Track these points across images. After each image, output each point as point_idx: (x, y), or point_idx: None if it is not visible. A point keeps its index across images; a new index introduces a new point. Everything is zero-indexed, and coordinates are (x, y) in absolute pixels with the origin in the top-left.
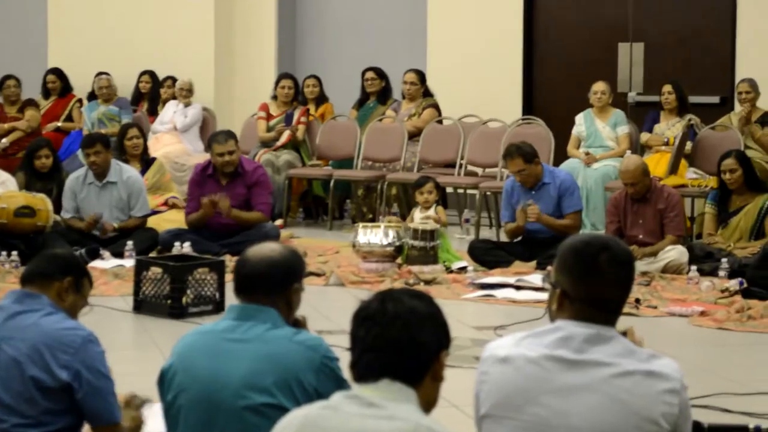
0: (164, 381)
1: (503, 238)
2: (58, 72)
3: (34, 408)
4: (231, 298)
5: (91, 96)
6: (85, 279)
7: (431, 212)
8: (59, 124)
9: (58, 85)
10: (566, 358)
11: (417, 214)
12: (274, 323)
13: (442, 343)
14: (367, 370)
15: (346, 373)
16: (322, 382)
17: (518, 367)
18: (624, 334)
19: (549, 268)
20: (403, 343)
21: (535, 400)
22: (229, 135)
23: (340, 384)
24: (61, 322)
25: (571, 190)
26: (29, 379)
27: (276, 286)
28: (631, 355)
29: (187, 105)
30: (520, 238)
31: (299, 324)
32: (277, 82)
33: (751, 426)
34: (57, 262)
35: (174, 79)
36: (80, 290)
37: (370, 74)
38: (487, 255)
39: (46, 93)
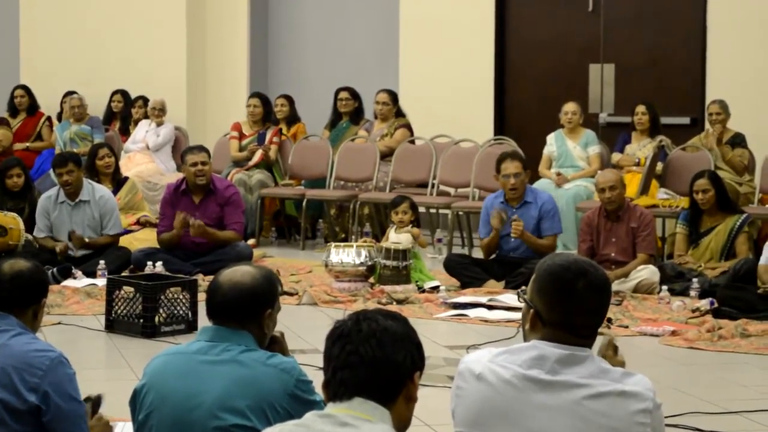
0: (136, 400)
1: (477, 256)
2: (26, 88)
3: (4, 430)
4: (203, 317)
5: (61, 115)
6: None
7: (406, 233)
8: (28, 144)
9: (26, 101)
10: (540, 379)
11: (392, 234)
12: (248, 345)
13: (416, 364)
14: (340, 387)
15: (320, 396)
16: (294, 405)
17: (492, 386)
18: (615, 347)
19: (523, 287)
20: (377, 361)
21: (509, 420)
22: (202, 148)
23: (313, 407)
24: (30, 343)
25: (552, 213)
26: None
27: (248, 313)
28: (604, 375)
29: (159, 124)
30: (494, 256)
31: (277, 341)
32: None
33: None
34: (30, 287)
35: (146, 99)
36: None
37: (344, 94)
38: (463, 269)
39: (14, 110)
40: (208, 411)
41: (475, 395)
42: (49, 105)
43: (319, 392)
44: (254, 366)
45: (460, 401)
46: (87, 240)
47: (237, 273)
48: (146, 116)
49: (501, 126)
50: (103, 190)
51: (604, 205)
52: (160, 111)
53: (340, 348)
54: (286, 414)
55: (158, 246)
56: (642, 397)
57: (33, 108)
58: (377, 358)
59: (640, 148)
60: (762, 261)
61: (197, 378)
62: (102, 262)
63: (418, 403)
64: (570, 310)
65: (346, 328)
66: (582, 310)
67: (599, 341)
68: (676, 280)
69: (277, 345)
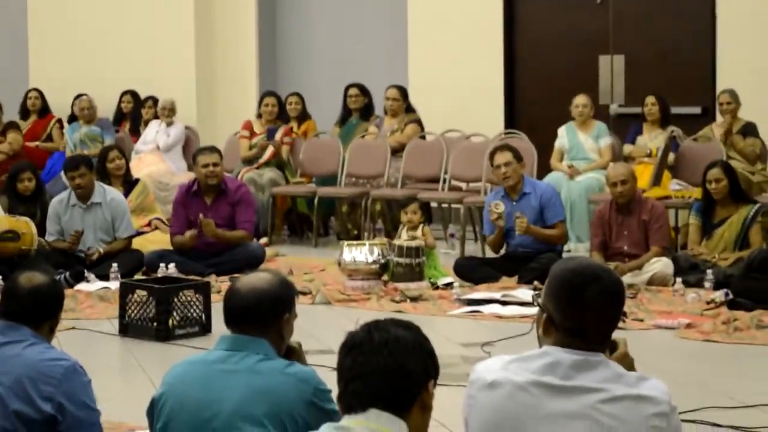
0: (154, 409)
1: (488, 253)
2: (39, 91)
3: None
4: (217, 319)
5: (72, 118)
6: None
7: (418, 233)
8: (38, 143)
9: (39, 104)
10: (554, 384)
11: (404, 234)
12: (266, 354)
13: (429, 372)
14: (354, 398)
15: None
16: (313, 415)
17: (506, 393)
18: (614, 344)
19: (536, 283)
20: (389, 370)
21: (523, 427)
22: (214, 149)
23: (332, 416)
24: (44, 352)
25: (553, 200)
26: (12, 413)
27: (266, 318)
28: (618, 379)
29: (169, 124)
30: (503, 253)
31: (294, 352)
32: (261, 100)
33: None
34: (47, 302)
35: (155, 99)
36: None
37: (353, 90)
38: (473, 272)
39: (25, 113)
40: (226, 420)
41: (488, 404)
42: (59, 109)
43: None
44: (272, 375)
45: (473, 410)
46: (101, 251)
47: (253, 278)
48: (156, 116)
49: (511, 119)
50: (114, 192)
51: (615, 198)
52: (170, 111)
53: (352, 359)
54: (304, 423)
55: (171, 247)
56: (658, 401)
57: (44, 111)
58: (390, 367)
59: (652, 139)
60: None
61: (215, 387)
62: (115, 264)
63: (436, 402)
64: (582, 316)
65: (358, 339)
66: (594, 317)
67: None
68: (690, 272)
69: (294, 355)
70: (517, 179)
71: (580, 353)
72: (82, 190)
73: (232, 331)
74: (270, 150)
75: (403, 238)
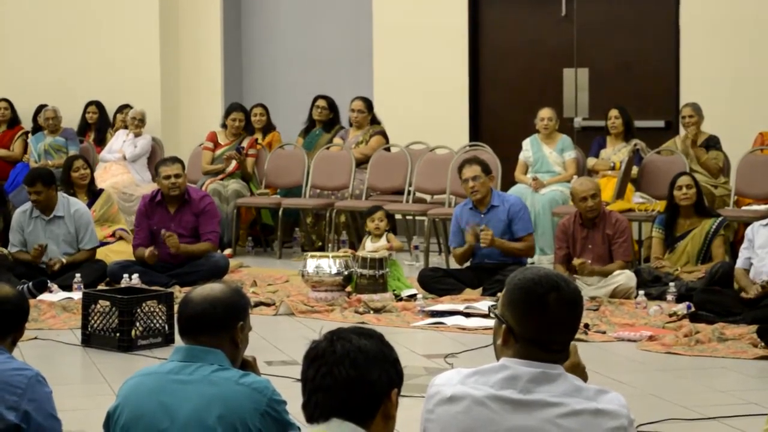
0: (110, 422)
1: (453, 264)
2: (9, 102)
3: None
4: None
5: (36, 128)
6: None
7: (382, 241)
8: None
9: (9, 114)
10: (513, 399)
11: (368, 243)
12: (221, 365)
13: (392, 381)
14: (316, 410)
15: (293, 415)
16: (267, 425)
17: (465, 408)
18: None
19: (499, 295)
20: (351, 381)
21: None
22: (176, 159)
23: (286, 428)
24: (6, 362)
25: (521, 213)
26: None
27: (220, 326)
28: (577, 393)
29: (137, 135)
30: (468, 264)
31: (248, 365)
32: (228, 113)
33: None
34: (13, 314)
35: (131, 108)
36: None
37: (321, 102)
38: (437, 283)
39: None
40: (181, 429)
41: (447, 418)
42: (21, 118)
43: (294, 414)
44: (227, 385)
45: (432, 425)
46: (64, 262)
47: (206, 288)
48: (125, 126)
49: (476, 132)
50: (78, 204)
51: (584, 213)
52: (140, 122)
53: (314, 370)
54: None
55: (134, 258)
56: (616, 414)
57: (14, 121)
58: (352, 378)
59: (615, 152)
60: (738, 264)
61: (170, 397)
62: (78, 275)
63: (399, 414)
64: (542, 324)
65: (320, 349)
66: (554, 325)
67: None
68: (652, 285)
69: (249, 368)
70: (485, 193)
71: (539, 365)
72: (39, 205)
73: (186, 342)
74: (234, 163)
75: (367, 249)
